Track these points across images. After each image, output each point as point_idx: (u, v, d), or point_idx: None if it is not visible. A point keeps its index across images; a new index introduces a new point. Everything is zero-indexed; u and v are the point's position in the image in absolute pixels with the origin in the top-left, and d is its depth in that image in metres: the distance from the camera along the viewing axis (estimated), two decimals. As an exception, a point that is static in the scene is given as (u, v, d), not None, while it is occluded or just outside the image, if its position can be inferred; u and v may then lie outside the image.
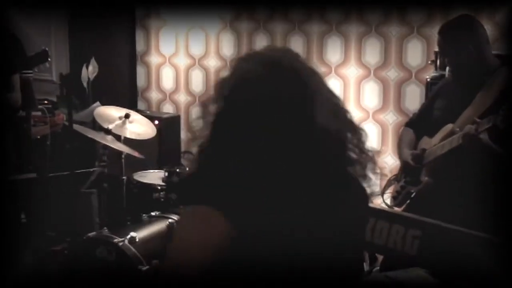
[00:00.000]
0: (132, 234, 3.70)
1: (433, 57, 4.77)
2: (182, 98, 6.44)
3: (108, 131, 4.44)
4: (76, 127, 4.64)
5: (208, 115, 1.59)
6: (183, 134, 6.32)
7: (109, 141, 4.40)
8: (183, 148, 6.30)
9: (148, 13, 6.46)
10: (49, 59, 5.05)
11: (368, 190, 1.65)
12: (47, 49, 5.01)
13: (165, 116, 6.07)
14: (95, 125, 5.20)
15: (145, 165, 5.00)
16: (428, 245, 2.59)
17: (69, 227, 4.73)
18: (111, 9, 6.46)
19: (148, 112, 6.15)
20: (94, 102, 6.17)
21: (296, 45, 5.69)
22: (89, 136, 4.39)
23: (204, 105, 1.63)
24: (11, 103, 4.51)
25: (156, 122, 5.48)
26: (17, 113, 4.72)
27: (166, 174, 4.17)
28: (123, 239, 3.66)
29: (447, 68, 4.26)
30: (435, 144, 3.33)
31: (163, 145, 5.79)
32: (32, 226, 4.68)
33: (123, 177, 4.57)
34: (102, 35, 6.52)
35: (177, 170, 4.17)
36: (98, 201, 4.89)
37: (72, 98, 4.83)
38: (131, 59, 6.63)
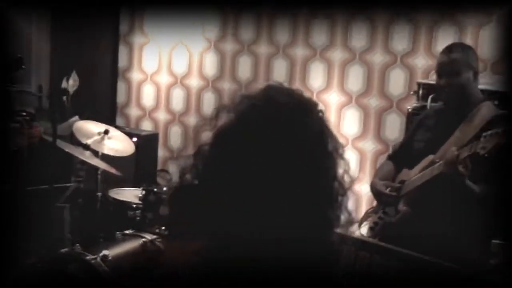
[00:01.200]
0: (105, 252, 3.64)
1: (415, 88, 4.78)
2: (161, 116, 6.41)
3: (86, 147, 4.40)
4: (51, 140, 4.58)
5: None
6: (161, 152, 6.28)
7: (87, 156, 4.35)
8: (159, 167, 6.25)
9: (132, 29, 6.44)
10: (23, 67, 4.97)
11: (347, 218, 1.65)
12: (21, 56, 4.93)
13: (143, 133, 6.02)
14: (73, 139, 5.13)
15: (120, 182, 4.95)
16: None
17: (41, 241, 4.66)
18: (95, 23, 6.44)
19: (127, 128, 6.10)
20: (72, 115, 6.10)
21: (280, 68, 5.70)
22: (68, 151, 4.34)
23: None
24: None
25: (135, 139, 5.43)
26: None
27: (144, 192, 4.12)
28: (95, 256, 3.60)
29: (429, 100, 4.29)
30: (415, 174, 3.33)
31: (140, 163, 5.73)
32: (5, 238, 4.60)
33: (98, 193, 4.52)
34: (85, 49, 6.47)
35: (155, 189, 4.12)
36: (71, 217, 4.82)
37: (56, 111, 4.76)
38: (113, 74, 6.59)
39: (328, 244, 1.56)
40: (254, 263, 1.46)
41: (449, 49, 3.34)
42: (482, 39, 4.89)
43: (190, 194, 1.54)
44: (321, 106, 1.53)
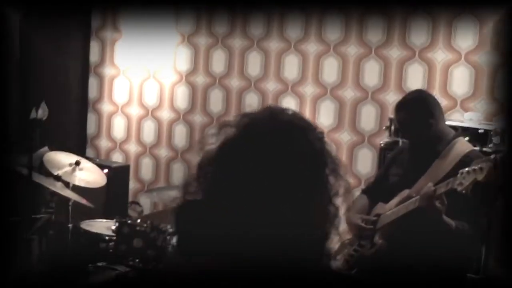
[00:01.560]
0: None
1: (386, 123, 4.84)
2: (132, 148, 6.38)
3: (57, 178, 4.36)
4: (24, 171, 4.54)
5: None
6: (132, 184, 6.24)
7: (59, 188, 4.32)
8: (130, 198, 6.20)
9: (103, 60, 6.43)
10: None
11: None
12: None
13: (114, 165, 5.98)
14: (42, 170, 5.08)
15: (90, 214, 4.89)
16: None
17: (9, 274, 4.59)
18: (65, 52, 6.41)
19: (97, 160, 6.05)
20: (41, 146, 6.04)
21: (252, 102, 5.74)
22: (39, 182, 4.29)
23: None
24: None
25: (105, 170, 5.39)
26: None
27: (117, 224, 4.08)
28: (68, 289, 3.56)
29: (401, 135, 4.36)
30: (390, 208, 3.36)
31: (111, 194, 5.68)
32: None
33: (69, 225, 4.47)
34: (54, 79, 6.42)
35: (129, 221, 4.08)
36: (41, 249, 4.75)
37: (33, 143, 4.74)
38: (83, 105, 6.55)
39: (324, 258, 1.57)
40: (260, 274, 1.47)
41: (399, 109, 3.43)
42: (452, 76, 4.98)
43: (195, 209, 1.55)
44: (321, 128, 1.55)
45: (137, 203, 6.23)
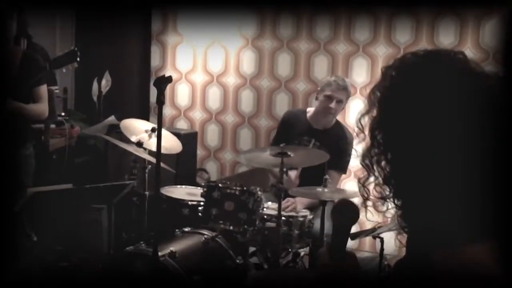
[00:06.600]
0: (171, 248, 3.59)
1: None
2: (197, 115, 6.35)
3: (140, 144, 4.33)
4: (109, 138, 4.55)
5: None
6: (197, 151, 6.21)
7: (142, 153, 4.30)
8: (198, 165, 6.19)
9: (165, 28, 6.37)
10: (78, 59, 4.92)
11: None
12: (76, 49, 4.86)
13: (183, 132, 5.94)
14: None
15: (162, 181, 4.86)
16: None
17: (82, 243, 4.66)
18: (125, 23, 6.37)
19: (164, 128, 6.02)
20: (104, 116, 6.03)
21: (321, 65, 5.69)
22: (124, 148, 4.29)
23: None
24: (35, 114, 4.40)
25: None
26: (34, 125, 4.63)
27: (205, 188, 4.04)
28: (163, 253, 3.54)
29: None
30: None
31: (180, 162, 5.65)
32: (42, 242, 4.57)
33: (146, 192, 4.46)
34: (115, 49, 6.40)
35: (220, 184, 4.03)
36: (109, 217, 4.76)
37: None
38: (145, 74, 6.51)
39: None
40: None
41: None
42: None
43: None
44: None
45: (204, 170, 6.22)
